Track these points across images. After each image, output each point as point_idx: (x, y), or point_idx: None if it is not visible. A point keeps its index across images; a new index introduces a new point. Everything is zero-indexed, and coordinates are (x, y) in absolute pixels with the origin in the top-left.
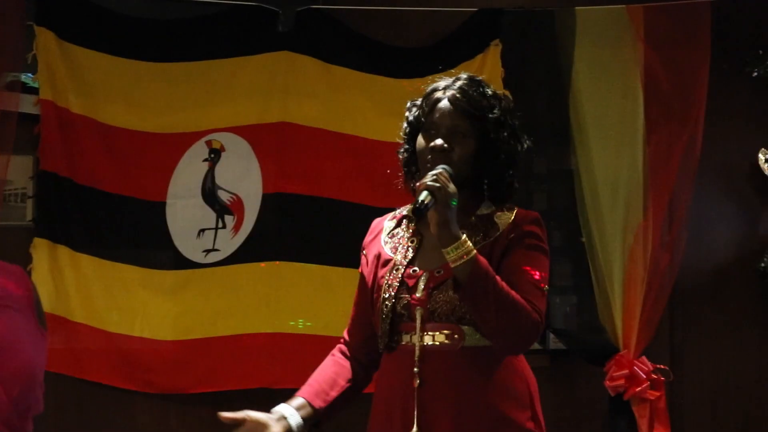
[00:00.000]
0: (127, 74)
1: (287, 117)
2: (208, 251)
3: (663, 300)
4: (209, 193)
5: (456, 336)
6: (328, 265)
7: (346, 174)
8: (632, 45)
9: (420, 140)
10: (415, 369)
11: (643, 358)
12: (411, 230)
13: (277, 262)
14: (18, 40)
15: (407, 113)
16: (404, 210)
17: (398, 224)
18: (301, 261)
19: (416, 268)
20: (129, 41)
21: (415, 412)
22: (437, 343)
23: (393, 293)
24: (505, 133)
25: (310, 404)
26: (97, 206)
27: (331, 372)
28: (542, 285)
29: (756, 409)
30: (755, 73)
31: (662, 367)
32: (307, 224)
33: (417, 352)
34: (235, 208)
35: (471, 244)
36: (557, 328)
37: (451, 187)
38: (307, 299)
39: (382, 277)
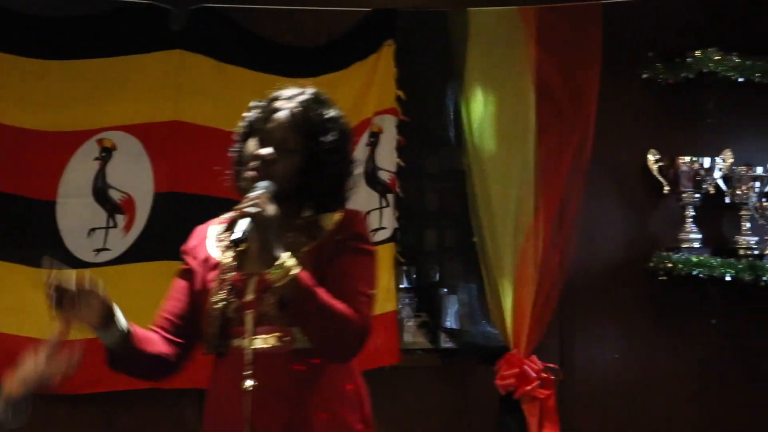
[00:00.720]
0: (17, 71)
1: (180, 116)
2: (98, 250)
3: (553, 299)
4: (100, 191)
5: (287, 338)
6: None
7: None
8: (524, 46)
9: (250, 144)
10: (246, 372)
11: (533, 357)
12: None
13: (170, 262)
14: None
15: (247, 113)
16: (232, 214)
17: (227, 228)
18: None
19: (245, 272)
20: (18, 38)
21: (246, 416)
22: (268, 346)
23: (222, 297)
24: (335, 158)
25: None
26: None
27: (152, 335)
28: (368, 290)
29: (644, 406)
30: (645, 75)
31: (552, 365)
32: (200, 223)
33: (247, 356)
34: (127, 207)
35: (293, 263)
36: (448, 327)
37: (270, 209)
38: None
39: (211, 281)
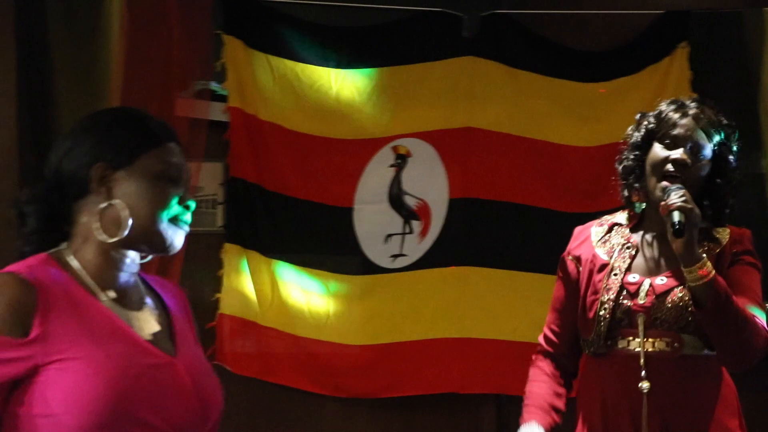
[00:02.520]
0: (313, 81)
1: (472, 122)
2: (395, 256)
3: None
4: (396, 198)
5: (676, 344)
6: (515, 270)
7: (531, 178)
8: None
9: (656, 150)
10: (643, 373)
11: None
12: (625, 237)
13: (464, 267)
14: (207, 49)
15: (641, 121)
16: (613, 217)
17: (609, 231)
18: (488, 266)
19: (636, 275)
20: (315, 48)
21: (646, 417)
22: (657, 350)
23: (612, 297)
24: (735, 161)
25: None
26: (285, 212)
27: (548, 388)
28: (763, 302)
29: None
30: None
31: None
32: (494, 229)
33: (642, 358)
34: (422, 213)
35: (711, 265)
36: None
37: (696, 208)
38: (494, 304)
39: (600, 281)
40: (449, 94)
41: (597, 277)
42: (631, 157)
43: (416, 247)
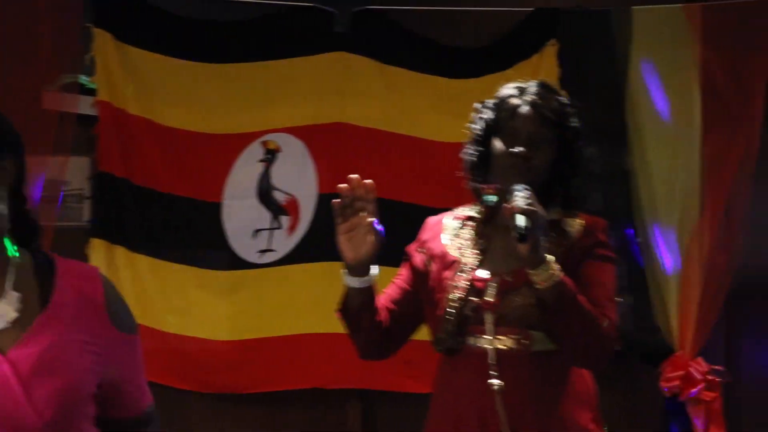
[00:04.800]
0: (184, 75)
1: (343, 117)
2: (263, 251)
3: (719, 300)
4: (265, 193)
5: (526, 341)
6: (385, 265)
7: (402, 174)
8: (689, 44)
9: (498, 145)
10: (493, 372)
11: (699, 359)
12: (476, 233)
13: (333, 263)
14: (76, 41)
15: (479, 115)
16: (466, 210)
17: (461, 224)
18: None
19: (485, 272)
20: (186, 42)
21: (504, 415)
22: (506, 348)
23: (460, 294)
24: (580, 142)
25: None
26: (153, 207)
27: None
28: (615, 298)
29: None
30: None
31: (718, 368)
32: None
33: (491, 356)
34: (291, 208)
35: (557, 266)
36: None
37: (541, 208)
38: None
39: (448, 278)
40: (320, 90)
41: (446, 274)
42: (475, 152)
43: (285, 242)
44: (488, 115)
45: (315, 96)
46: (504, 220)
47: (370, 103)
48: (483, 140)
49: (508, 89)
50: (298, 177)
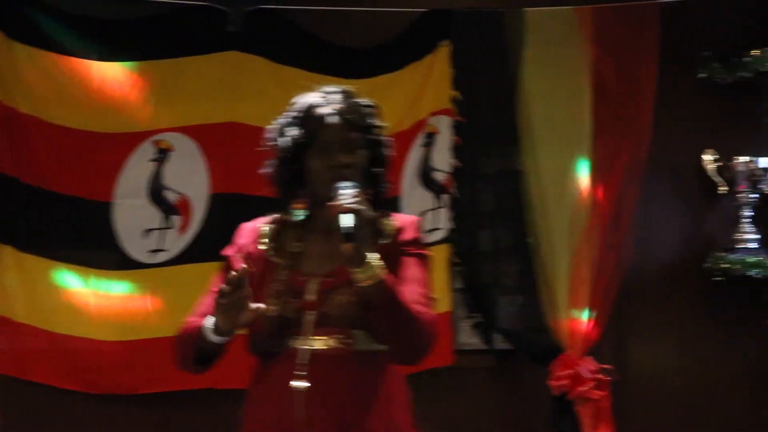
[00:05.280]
0: (75, 74)
1: (235, 117)
2: (154, 251)
3: (608, 300)
4: (156, 193)
5: (348, 340)
6: None
7: None
8: (581, 46)
9: (314, 159)
10: (301, 372)
11: (588, 357)
12: (294, 234)
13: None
14: None
15: (284, 131)
16: (282, 214)
17: (278, 228)
18: None
19: (304, 273)
20: (77, 41)
21: (297, 417)
22: (327, 347)
23: (280, 296)
24: (385, 140)
25: None
26: (43, 206)
27: None
28: (432, 294)
29: (699, 408)
30: (702, 75)
31: (607, 366)
32: None
33: (304, 356)
34: (182, 208)
35: (380, 264)
36: (503, 328)
37: (366, 207)
38: None
39: (267, 281)
40: (212, 89)
41: (264, 277)
42: (285, 166)
43: (176, 242)
44: (294, 130)
45: (208, 95)
46: (323, 221)
47: (263, 102)
48: (293, 156)
49: (309, 100)
50: (189, 177)
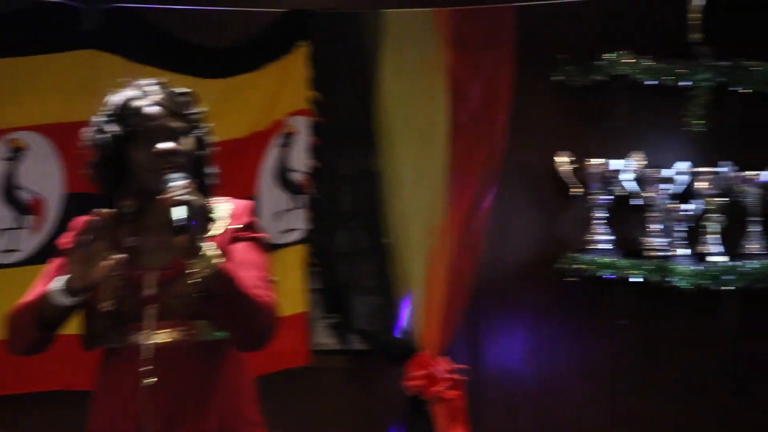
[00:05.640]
0: None
1: (91, 116)
2: (7, 251)
3: (463, 300)
4: (9, 192)
5: (191, 331)
6: None
7: None
8: (438, 48)
9: (138, 151)
10: (144, 368)
11: (443, 358)
12: (127, 230)
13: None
14: None
15: (106, 127)
16: (115, 207)
17: (111, 221)
18: None
19: (142, 266)
20: None
21: (145, 412)
22: (170, 340)
23: (118, 291)
24: (207, 126)
25: None
26: None
27: None
28: (271, 277)
29: (553, 407)
30: (557, 78)
31: (461, 366)
32: None
33: (148, 351)
34: (37, 207)
35: (217, 253)
36: (360, 328)
37: (198, 197)
38: None
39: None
40: (68, 88)
41: None
42: (107, 163)
43: (29, 242)
44: (113, 126)
45: (63, 94)
46: (155, 214)
47: None
48: (117, 150)
49: (125, 95)
50: (44, 176)
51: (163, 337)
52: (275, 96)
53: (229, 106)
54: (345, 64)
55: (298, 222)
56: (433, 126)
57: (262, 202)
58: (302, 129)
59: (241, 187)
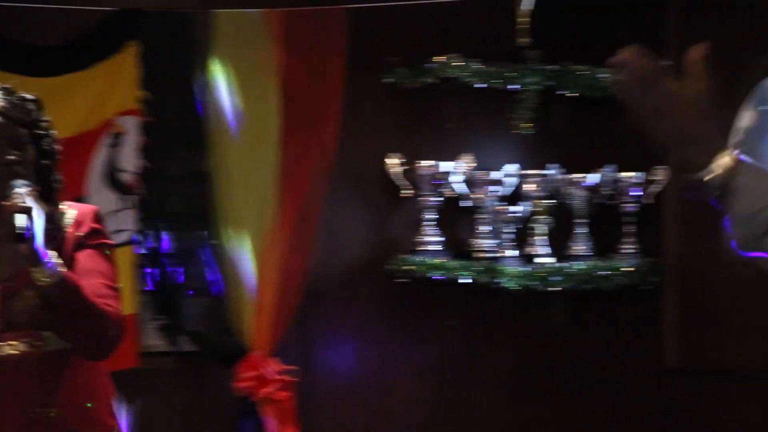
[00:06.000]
0: None
1: None
2: None
3: (294, 301)
4: None
5: (38, 342)
6: None
7: None
8: (269, 49)
9: None
10: None
11: (273, 359)
12: None
13: None
14: None
15: None
16: None
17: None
18: None
19: None
20: None
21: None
22: (17, 352)
23: None
24: (52, 133)
25: None
26: None
27: None
28: (117, 286)
29: (383, 407)
30: (388, 80)
31: (291, 367)
32: None
33: None
34: None
35: (59, 261)
36: (189, 330)
37: (41, 204)
38: None
39: None
40: None
41: None
42: None
43: None
44: None
45: None
46: (1, 222)
47: None
48: None
49: None
50: None
51: (8, 349)
52: (105, 95)
53: (57, 106)
54: (175, 64)
55: (128, 223)
56: (265, 127)
57: (91, 202)
58: (132, 129)
59: (69, 188)
